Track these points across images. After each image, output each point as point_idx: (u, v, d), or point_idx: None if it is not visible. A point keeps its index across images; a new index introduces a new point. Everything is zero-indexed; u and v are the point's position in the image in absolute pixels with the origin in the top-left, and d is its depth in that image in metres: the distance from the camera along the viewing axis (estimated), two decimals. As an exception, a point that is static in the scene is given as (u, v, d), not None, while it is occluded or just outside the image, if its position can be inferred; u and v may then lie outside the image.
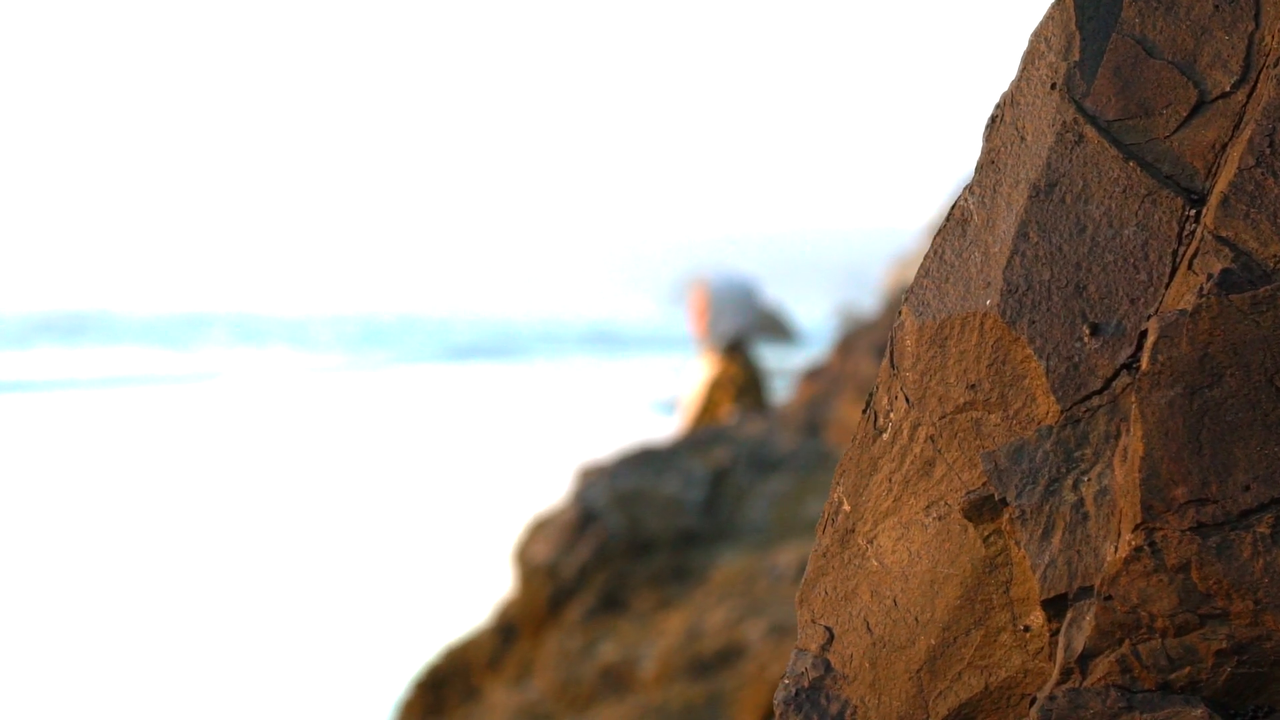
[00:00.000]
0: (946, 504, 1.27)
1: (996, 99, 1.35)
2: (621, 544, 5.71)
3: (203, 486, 11.73)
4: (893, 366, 1.32)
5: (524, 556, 5.94)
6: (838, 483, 1.34)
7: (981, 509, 1.24)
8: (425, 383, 27.04)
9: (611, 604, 5.48)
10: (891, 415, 1.31)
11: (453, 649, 5.86)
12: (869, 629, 1.30)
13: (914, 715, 1.27)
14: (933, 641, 1.27)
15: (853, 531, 1.33)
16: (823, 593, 1.33)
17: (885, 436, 1.31)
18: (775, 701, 1.30)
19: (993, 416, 1.25)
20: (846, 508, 1.33)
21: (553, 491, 8.10)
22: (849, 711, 1.29)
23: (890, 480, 1.30)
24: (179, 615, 7.52)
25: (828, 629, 1.32)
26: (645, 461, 6.82)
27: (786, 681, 1.30)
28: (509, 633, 5.82)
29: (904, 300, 1.31)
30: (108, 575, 8.39)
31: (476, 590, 7.59)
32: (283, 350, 39.67)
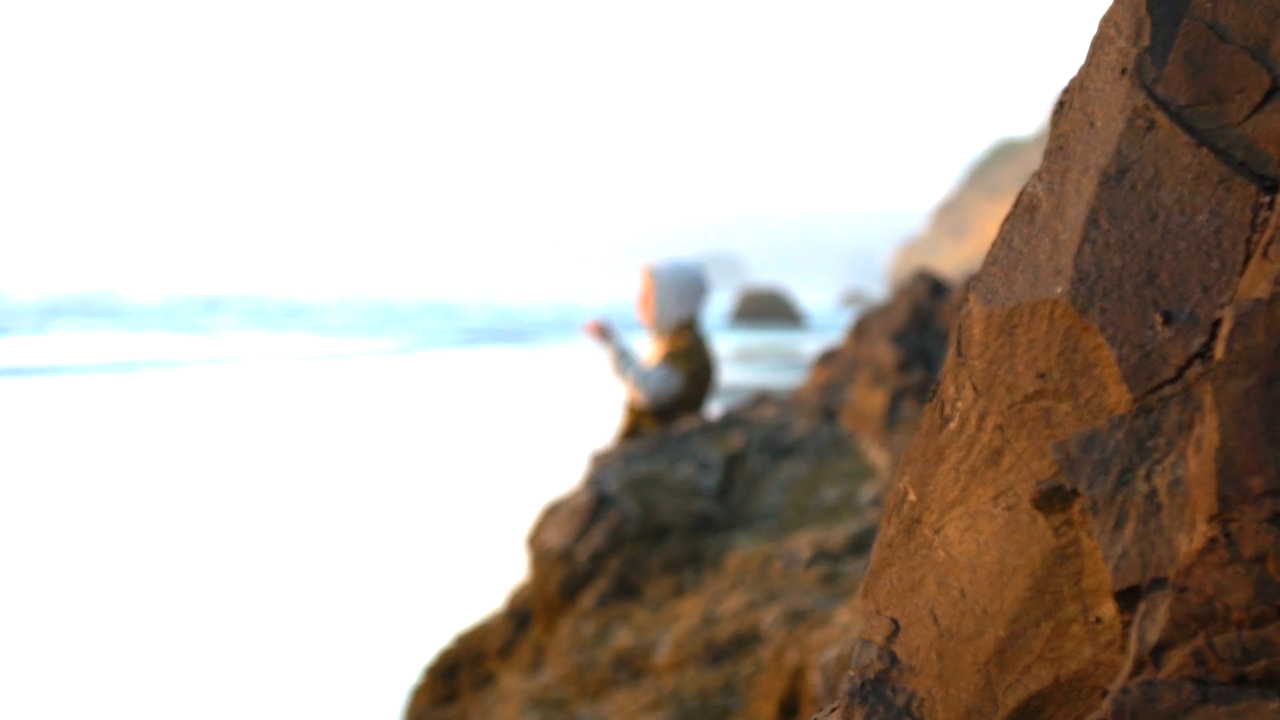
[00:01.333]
0: (1015, 494, 1.25)
1: (1064, 84, 1.34)
2: (635, 529, 5.68)
3: (218, 471, 11.73)
4: (960, 355, 1.30)
5: (537, 542, 5.91)
6: (903, 472, 1.32)
7: (1052, 499, 1.22)
8: (440, 367, 27.07)
9: (625, 590, 5.45)
10: (959, 404, 1.29)
11: (465, 635, 5.84)
12: (936, 620, 1.28)
13: (982, 707, 1.25)
14: (1001, 633, 1.25)
15: (919, 521, 1.31)
16: (888, 584, 1.31)
17: (952, 425, 1.29)
18: (840, 693, 1.28)
19: (1063, 405, 1.24)
20: (912, 497, 1.31)
21: (567, 477, 8.09)
22: (915, 704, 1.28)
23: (957, 470, 1.29)
24: (191, 599, 7.52)
25: (893, 620, 1.30)
26: (659, 446, 6.79)
27: (852, 673, 1.28)
28: (522, 619, 5.79)
29: (971, 288, 1.29)
30: (125, 559, 8.39)
31: (489, 576, 7.59)
32: (299, 335, 39.77)
